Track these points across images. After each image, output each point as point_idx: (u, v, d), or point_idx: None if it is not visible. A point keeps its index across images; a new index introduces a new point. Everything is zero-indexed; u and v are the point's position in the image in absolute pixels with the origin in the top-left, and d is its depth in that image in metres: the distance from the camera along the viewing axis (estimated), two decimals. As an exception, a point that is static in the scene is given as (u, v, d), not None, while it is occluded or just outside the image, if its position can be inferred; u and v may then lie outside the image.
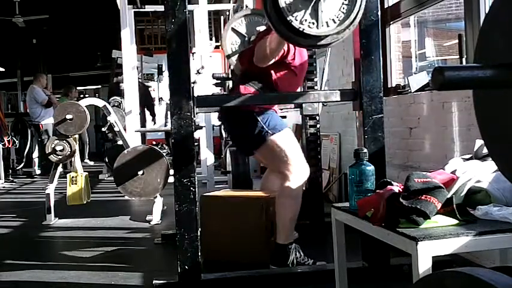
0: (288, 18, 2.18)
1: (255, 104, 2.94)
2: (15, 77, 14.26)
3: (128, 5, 5.95)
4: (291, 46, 2.86)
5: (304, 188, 4.16)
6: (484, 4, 2.82)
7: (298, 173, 2.96)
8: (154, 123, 8.92)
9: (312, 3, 2.19)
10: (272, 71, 2.96)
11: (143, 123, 7.80)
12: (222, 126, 4.38)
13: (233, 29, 3.55)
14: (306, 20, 2.20)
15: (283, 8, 2.18)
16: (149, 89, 9.38)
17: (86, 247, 3.91)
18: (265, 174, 3.47)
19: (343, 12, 2.24)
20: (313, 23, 2.21)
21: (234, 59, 3.49)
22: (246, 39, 3.50)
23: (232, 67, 5.35)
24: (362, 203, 1.94)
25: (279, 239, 3.00)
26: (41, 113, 8.99)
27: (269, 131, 2.93)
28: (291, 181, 2.94)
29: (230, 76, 4.72)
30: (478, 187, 1.86)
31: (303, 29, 2.19)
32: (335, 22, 2.23)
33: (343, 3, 2.24)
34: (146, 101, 7.81)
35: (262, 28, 3.22)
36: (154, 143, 8.93)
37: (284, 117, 4.26)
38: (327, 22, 2.23)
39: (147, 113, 8.78)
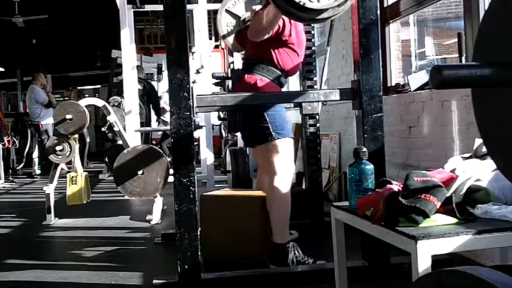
0: None
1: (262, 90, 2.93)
2: (15, 77, 14.27)
3: (128, 5, 5.94)
4: (286, 22, 2.88)
5: (303, 187, 4.18)
6: (483, 3, 2.82)
7: (284, 175, 3.00)
8: (159, 123, 8.88)
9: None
10: (272, 52, 2.98)
11: (148, 122, 7.76)
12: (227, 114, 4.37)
13: (227, 11, 3.53)
14: None
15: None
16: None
17: (86, 247, 3.91)
18: (258, 175, 3.48)
19: None
20: None
21: (229, 39, 3.49)
22: (241, 19, 3.49)
23: (232, 66, 5.33)
24: (362, 202, 1.93)
25: (276, 239, 3.02)
26: (41, 113, 8.99)
27: (274, 133, 2.95)
28: (278, 182, 2.98)
29: (230, 75, 4.70)
30: (477, 186, 1.86)
31: (304, 3, 2.12)
32: None
33: None
34: (152, 99, 7.76)
35: (257, 7, 3.22)
36: (154, 142, 8.91)
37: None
38: None
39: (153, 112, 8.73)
